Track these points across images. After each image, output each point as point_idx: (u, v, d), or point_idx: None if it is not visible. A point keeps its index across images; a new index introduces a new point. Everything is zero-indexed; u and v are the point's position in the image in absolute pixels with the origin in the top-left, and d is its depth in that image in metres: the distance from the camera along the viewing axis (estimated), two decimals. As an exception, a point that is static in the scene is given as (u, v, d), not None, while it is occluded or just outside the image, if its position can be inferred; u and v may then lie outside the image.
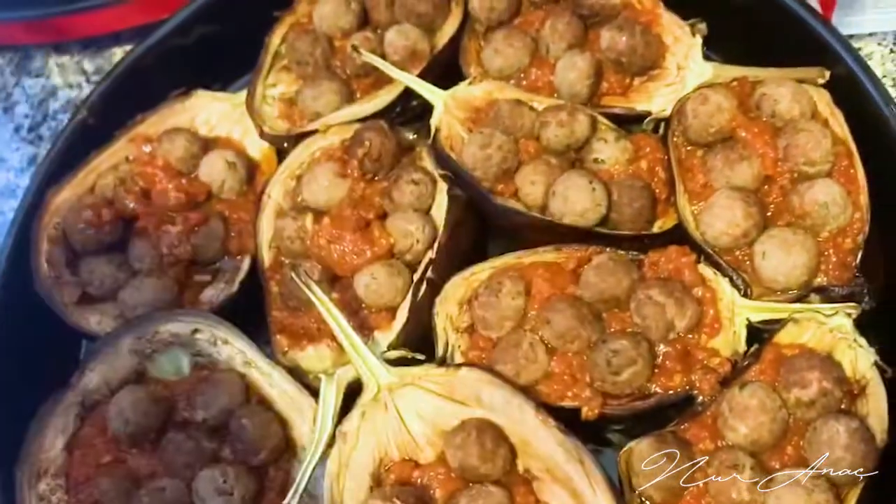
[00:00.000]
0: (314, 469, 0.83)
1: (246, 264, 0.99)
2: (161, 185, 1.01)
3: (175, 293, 0.97)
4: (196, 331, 0.92)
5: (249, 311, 0.98)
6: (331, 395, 0.86)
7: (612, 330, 0.86)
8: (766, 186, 0.90)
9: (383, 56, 1.04)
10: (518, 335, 0.87)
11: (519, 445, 0.82)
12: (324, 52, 1.07)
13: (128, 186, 1.01)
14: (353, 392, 0.87)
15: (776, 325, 0.84)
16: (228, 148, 1.05)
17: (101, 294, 0.98)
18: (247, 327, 0.94)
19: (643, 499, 0.80)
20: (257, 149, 1.07)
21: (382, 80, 1.05)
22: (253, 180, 1.05)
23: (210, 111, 1.08)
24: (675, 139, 0.93)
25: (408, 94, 1.03)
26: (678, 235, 0.91)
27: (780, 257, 0.84)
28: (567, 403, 0.85)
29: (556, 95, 1.00)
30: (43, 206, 1.00)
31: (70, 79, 1.25)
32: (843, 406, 0.78)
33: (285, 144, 1.05)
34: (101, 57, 1.26)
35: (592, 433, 0.87)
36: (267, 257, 0.98)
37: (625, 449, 0.82)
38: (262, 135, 1.06)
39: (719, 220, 0.87)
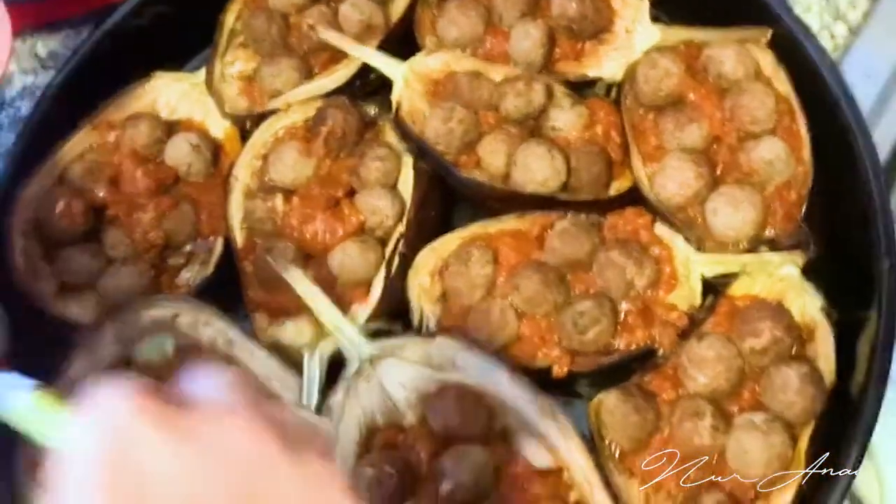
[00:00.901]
0: (303, 441, 0.86)
1: (219, 245, 1.00)
2: (128, 172, 1.01)
3: (151, 278, 0.98)
4: (177, 315, 0.94)
5: (226, 290, 0.99)
6: (314, 370, 0.89)
7: (577, 292, 0.90)
8: (714, 146, 0.93)
9: (339, 31, 1.04)
10: (489, 302, 0.90)
11: (494, 406, 0.86)
12: (279, 28, 1.07)
13: (96, 176, 1.02)
14: (334, 363, 0.90)
15: (730, 278, 0.89)
16: (191, 130, 1.06)
17: (79, 283, 0.99)
18: (225, 305, 0.96)
19: (613, 448, 0.84)
20: (220, 129, 1.07)
21: (340, 55, 1.05)
22: (218, 161, 1.05)
23: (170, 93, 1.08)
24: (627, 103, 0.96)
25: (366, 67, 1.04)
26: (635, 197, 0.94)
27: (730, 213, 0.88)
28: (538, 363, 0.89)
29: (512, 64, 1.02)
30: (13, 201, 1.00)
31: (24, 64, 1.23)
32: (793, 351, 0.83)
33: (248, 124, 1.05)
34: (53, 40, 1.24)
35: (563, 388, 0.92)
36: (239, 239, 0.99)
37: (593, 402, 0.86)
38: (224, 114, 1.06)
39: (672, 181, 0.90)
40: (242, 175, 1.01)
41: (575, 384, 0.94)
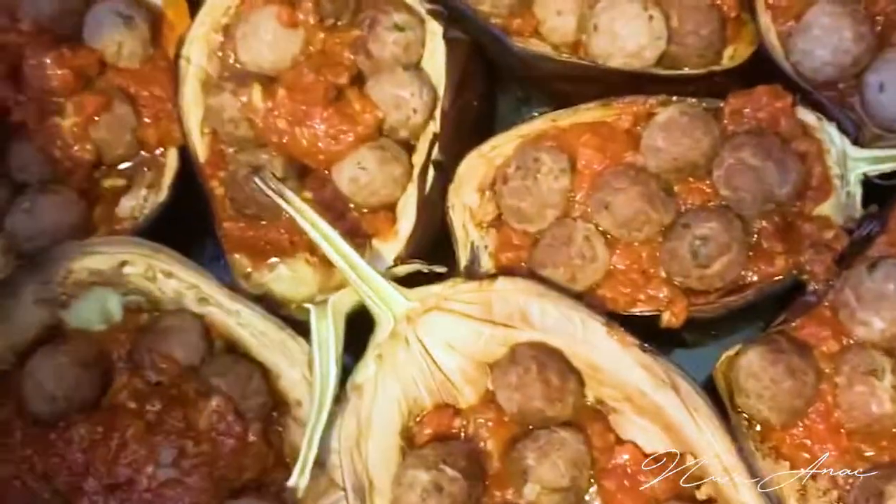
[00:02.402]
0: (322, 432, 0.72)
1: (173, 160, 0.86)
2: (34, 59, 0.84)
3: (83, 210, 0.84)
4: (124, 263, 0.78)
5: (189, 223, 0.84)
6: (327, 332, 0.75)
7: (689, 206, 0.76)
8: (871, -7, 0.78)
9: None
10: (567, 227, 0.77)
11: (586, 371, 0.73)
12: None
13: (-15, 67, 0.84)
14: (352, 322, 0.76)
15: (900, 178, 0.75)
16: (117, -6, 0.87)
17: (-23, 222, 0.83)
18: (188, 245, 0.82)
19: (753, 422, 0.72)
20: (156, -9, 0.89)
21: None
22: (159, 38, 0.88)
23: (81, -57, 0.89)
24: (746, -64, 0.79)
25: None
26: (757, 68, 0.80)
27: (904, 89, 0.74)
28: (641, 310, 0.75)
29: None
30: None
31: None
32: None
33: (197, -18, 0.87)
34: None
35: (663, 335, 0.78)
36: (201, 149, 0.84)
37: (722, 360, 0.74)
38: (162, -30, 0.88)
39: (821, 45, 0.76)
40: (196, 56, 0.85)
41: (681, 330, 0.81)
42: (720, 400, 0.73)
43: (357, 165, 0.78)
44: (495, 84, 0.89)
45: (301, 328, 0.77)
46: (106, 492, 0.73)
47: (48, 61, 0.83)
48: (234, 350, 0.78)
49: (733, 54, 0.81)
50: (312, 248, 0.79)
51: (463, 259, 0.78)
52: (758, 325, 0.79)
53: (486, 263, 0.78)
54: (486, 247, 0.79)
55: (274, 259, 0.81)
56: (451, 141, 0.79)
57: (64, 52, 0.83)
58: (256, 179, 0.72)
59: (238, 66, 0.83)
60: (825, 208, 0.76)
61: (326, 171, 0.79)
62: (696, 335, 0.82)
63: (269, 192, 0.72)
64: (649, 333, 0.73)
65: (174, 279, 0.78)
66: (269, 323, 0.77)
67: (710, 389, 0.73)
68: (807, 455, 0.71)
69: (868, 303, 0.71)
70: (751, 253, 0.75)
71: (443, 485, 0.68)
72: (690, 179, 0.76)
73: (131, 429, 0.74)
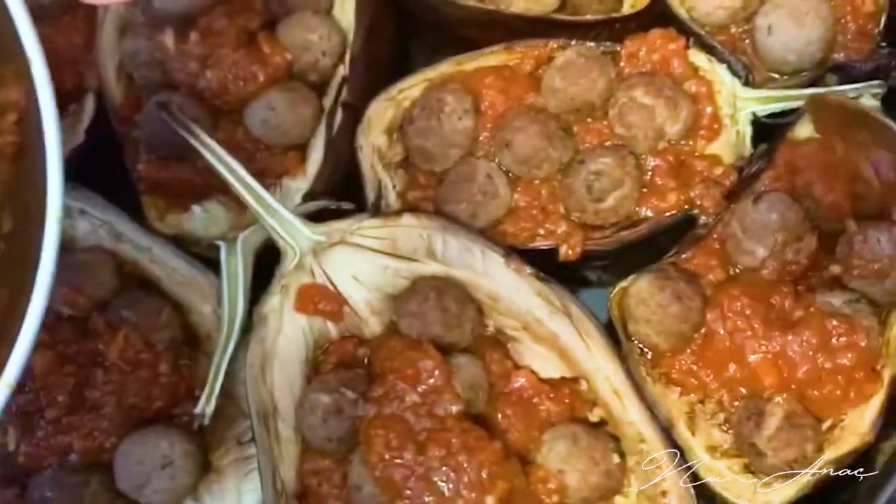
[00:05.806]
0: (228, 363, 0.76)
1: (89, 105, 0.88)
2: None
3: None
4: (37, 202, 0.81)
5: (104, 166, 0.87)
6: (236, 266, 0.79)
7: (587, 145, 0.81)
8: (760, -62, 0.83)
9: None
10: (470, 165, 0.81)
11: (486, 302, 0.77)
12: None
13: None
14: (262, 259, 0.80)
15: (789, 117, 0.80)
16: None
17: None
18: (104, 188, 0.85)
19: (644, 348, 0.77)
20: (73, -63, 0.92)
21: None
22: (78, -13, 0.90)
23: None
24: None
25: None
26: (656, 15, 0.84)
27: (791, 31, 0.79)
28: (540, 244, 0.80)
29: None
30: None
31: None
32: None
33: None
34: None
35: (566, 273, 0.83)
36: (118, 92, 0.87)
37: (616, 290, 0.79)
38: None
39: (712, -11, 0.80)
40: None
41: (583, 268, 0.86)
42: (615, 330, 0.78)
43: (267, 107, 0.81)
44: (409, 33, 0.92)
45: (213, 266, 0.81)
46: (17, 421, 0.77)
47: (-36, 7, 0.86)
48: (148, 285, 0.81)
49: (634, 3, 0.86)
50: (225, 189, 0.83)
51: (371, 197, 0.82)
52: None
53: (394, 202, 0.82)
54: (393, 186, 0.82)
55: (187, 200, 0.84)
56: (361, 85, 0.83)
57: (-19, -2, 0.87)
58: (163, 115, 0.76)
59: (154, 10, 0.86)
60: (716, 147, 0.80)
61: (237, 114, 0.83)
62: (598, 273, 0.87)
63: (176, 126, 0.76)
64: (550, 272, 0.78)
65: (87, 216, 0.82)
66: (180, 260, 0.81)
67: (608, 324, 0.79)
68: (694, 380, 0.76)
69: (752, 233, 0.75)
70: (645, 189, 0.79)
71: (343, 407, 0.73)
72: (588, 120, 0.81)
73: (41, 360, 0.77)
